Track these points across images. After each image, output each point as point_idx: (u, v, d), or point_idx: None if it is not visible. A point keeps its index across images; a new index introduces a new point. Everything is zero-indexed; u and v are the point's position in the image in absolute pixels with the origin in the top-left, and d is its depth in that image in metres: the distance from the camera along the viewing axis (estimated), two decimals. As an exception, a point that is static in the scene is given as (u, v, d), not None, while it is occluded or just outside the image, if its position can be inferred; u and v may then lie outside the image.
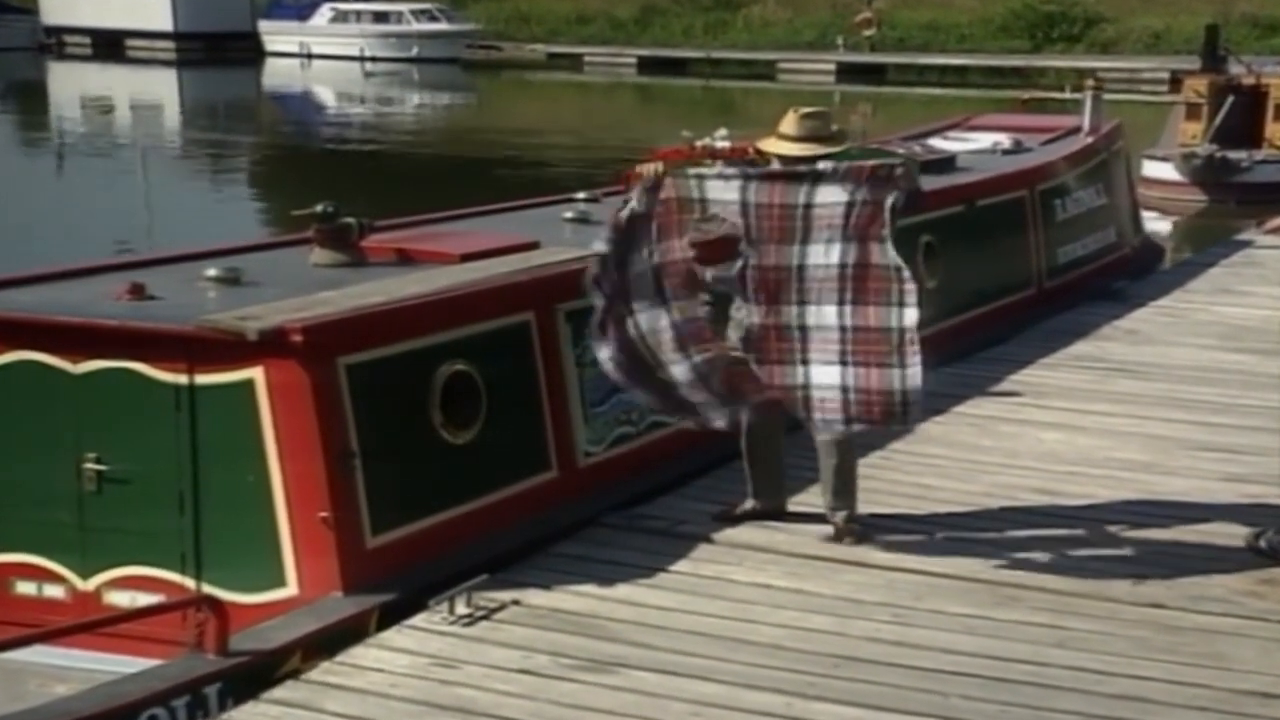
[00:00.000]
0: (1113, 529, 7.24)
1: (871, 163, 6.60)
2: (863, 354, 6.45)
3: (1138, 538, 7.14)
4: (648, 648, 5.85)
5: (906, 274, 6.44)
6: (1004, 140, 13.29)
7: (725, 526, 7.09)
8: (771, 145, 6.83)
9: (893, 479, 7.84)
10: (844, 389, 6.48)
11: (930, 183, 10.93)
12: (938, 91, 46.72)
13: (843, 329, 6.47)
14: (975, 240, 11.02)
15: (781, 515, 7.18)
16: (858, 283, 6.45)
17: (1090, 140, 13.69)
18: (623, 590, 6.40)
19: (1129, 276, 13.50)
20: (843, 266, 6.46)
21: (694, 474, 7.68)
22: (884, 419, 6.54)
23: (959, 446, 8.53)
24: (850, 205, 6.43)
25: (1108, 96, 14.77)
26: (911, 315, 6.39)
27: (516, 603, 6.22)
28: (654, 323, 6.68)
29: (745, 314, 6.59)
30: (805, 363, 6.53)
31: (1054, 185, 12.52)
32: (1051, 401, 9.50)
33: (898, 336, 6.41)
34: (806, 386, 6.55)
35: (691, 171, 6.69)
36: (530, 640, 5.89)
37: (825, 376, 6.50)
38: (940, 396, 9.39)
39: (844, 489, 6.98)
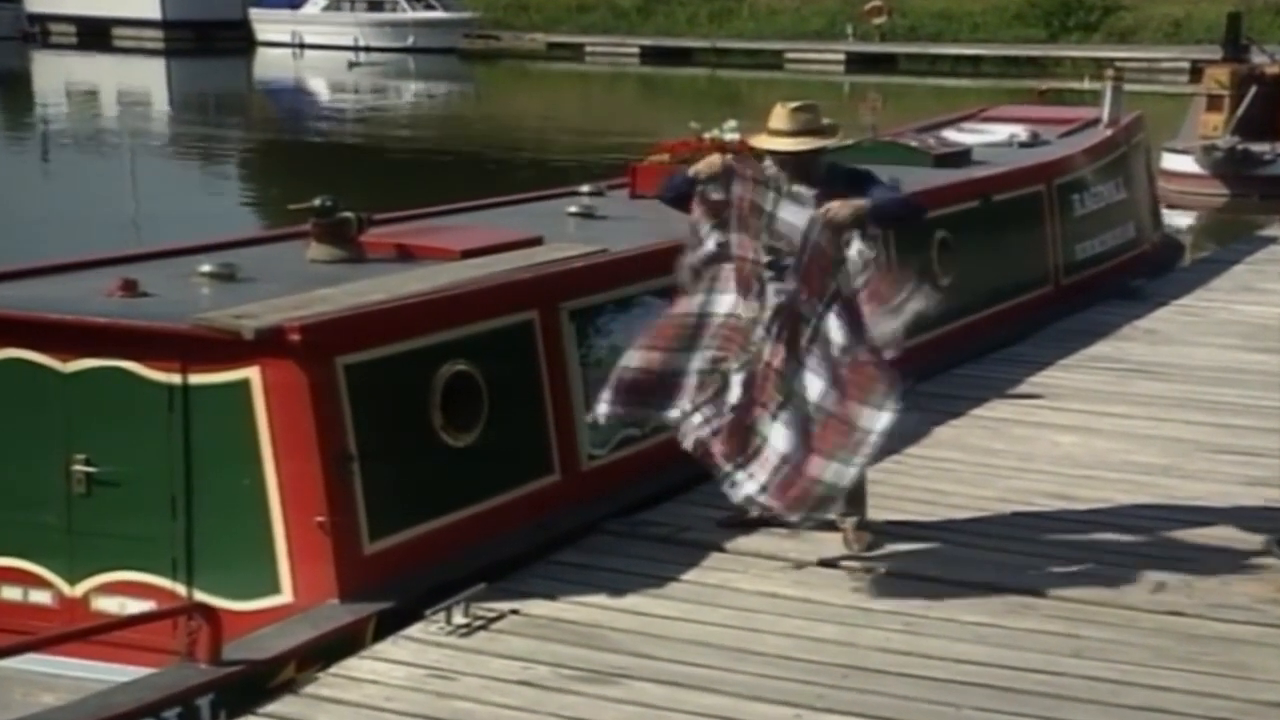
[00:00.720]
0: (1130, 535, 7.26)
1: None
2: (819, 439, 6.43)
3: (1156, 543, 7.16)
4: (651, 658, 5.87)
5: (896, 375, 6.42)
6: (1020, 133, 13.31)
7: (731, 533, 7.11)
8: (764, 142, 6.81)
9: (903, 484, 7.86)
10: (785, 459, 6.44)
11: (944, 177, 11.02)
12: (950, 82, 46.71)
13: (818, 408, 6.44)
14: (990, 236, 11.04)
15: (789, 521, 7.17)
16: (853, 372, 6.44)
17: (1109, 133, 13.71)
18: (625, 599, 6.42)
19: (1148, 274, 13.51)
20: (845, 350, 6.45)
21: (701, 478, 7.69)
22: (790, 505, 6.47)
23: (972, 450, 8.55)
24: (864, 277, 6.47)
25: (1127, 87, 14.77)
26: (886, 420, 6.34)
27: (516, 612, 6.25)
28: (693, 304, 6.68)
29: (760, 345, 6.57)
30: (774, 418, 6.49)
31: (1072, 179, 12.53)
32: (1068, 403, 9.51)
33: (861, 435, 6.38)
34: (764, 440, 6.51)
35: (772, 182, 6.65)
36: (530, 651, 5.91)
37: (780, 441, 6.46)
38: (953, 399, 9.42)
39: (854, 495, 6.99)
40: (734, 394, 6.56)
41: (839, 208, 6.51)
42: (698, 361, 6.66)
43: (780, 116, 6.73)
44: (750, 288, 6.60)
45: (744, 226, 6.62)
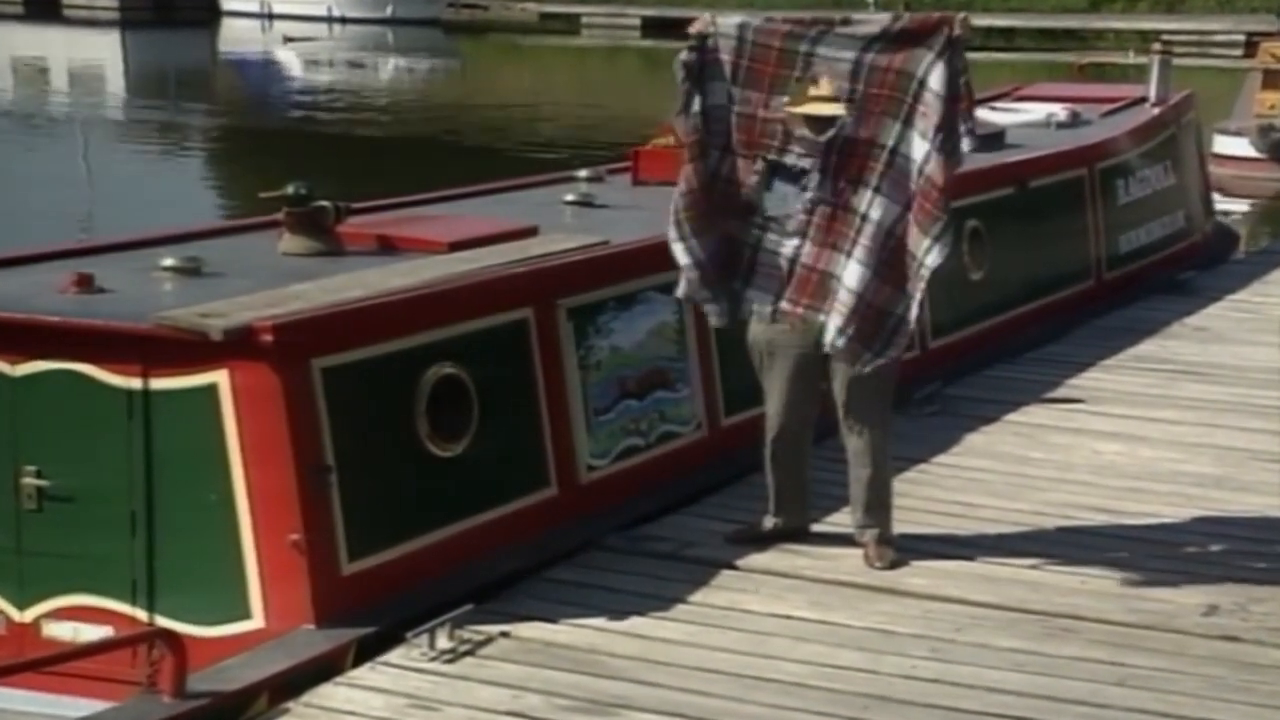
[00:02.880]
0: (1180, 552, 7.27)
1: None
2: (888, 266, 6.74)
3: (1208, 562, 7.18)
4: (653, 686, 5.88)
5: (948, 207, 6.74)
6: (1059, 112, 13.32)
7: (741, 549, 7.12)
8: (804, 107, 6.91)
9: (930, 495, 7.88)
10: (859, 295, 6.74)
11: (976, 161, 11.02)
12: (980, 56, 46.48)
13: (889, 234, 6.75)
14: (1027, 226, 11.06)
15: (804, 535, 7.22)
16: (921, 196, 6.72)
17: (1157, 112, 13.73)
18: (625, 621, 6.43)
19: (1199, 267, 13.52)
20: (920, 172, 6.71)
21: (708, 490, 7.73)
22: (864, 343, 6.77)
23: (1005, 459, 8.57)
24: (950, 99, 6.69)
25: (1175, 62, 14.79)
26: (936, 255, 6.69)
27: (506, 635, 6.26)
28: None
29: (815, 186, 6.81)
30: (850, 254, 6.78)
31: (1116, 163, 12.55)
32: (1110, 408, 9.53)
33: (918, 266, 6.73)
34: (839, 280, 6.79)
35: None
36: (521, 678, 5.92)
37: (854, 278, 6.75)
38: (985, 402, 9.44)
39: (876, 504, 7.03)
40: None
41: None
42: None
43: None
44: (756, 145, 6.88)
45: (754, 84, 6.85)
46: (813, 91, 6.86)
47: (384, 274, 7.10)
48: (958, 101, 6.73)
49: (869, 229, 6.78)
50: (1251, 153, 22.80)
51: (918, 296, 6.78)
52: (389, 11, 56.01)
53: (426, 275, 7.09)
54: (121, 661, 6.06)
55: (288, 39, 52.72)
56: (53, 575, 6.47)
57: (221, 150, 30.66)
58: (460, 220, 8.44)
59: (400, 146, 29.25)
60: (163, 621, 6.20)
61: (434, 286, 6.97)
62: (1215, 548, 7.33)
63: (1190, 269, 13.29)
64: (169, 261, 7.08)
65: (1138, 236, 12.86)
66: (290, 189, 7.60)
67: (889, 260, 6.77)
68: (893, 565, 6.96)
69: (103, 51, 49.64)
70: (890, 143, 6.77)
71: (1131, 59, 19.92)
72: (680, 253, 6.95)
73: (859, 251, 6.78)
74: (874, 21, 6.91)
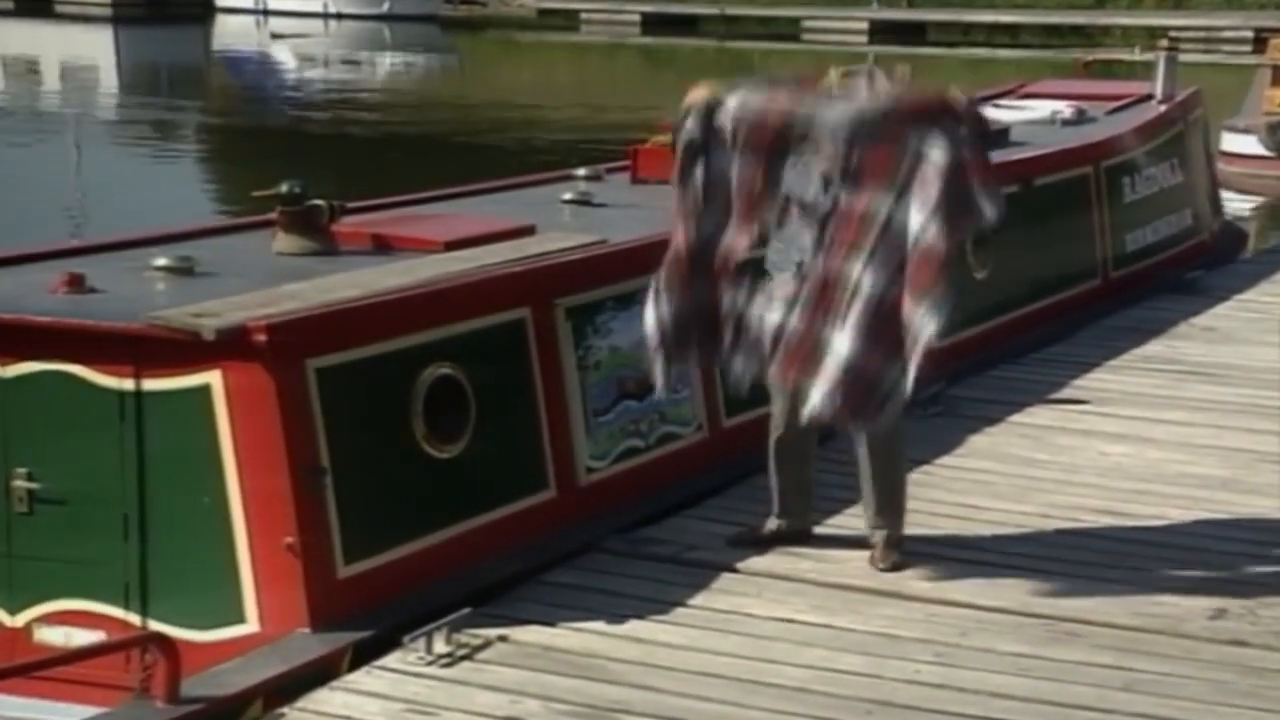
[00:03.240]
0: (1187, 555, 7.27)
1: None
2: (880, 336, 6.64)
3: (1216, 565, 7.17)
4: (653, 691, 5.88)
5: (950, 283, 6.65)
6: (1064, 109, 13.32)
7: (743, 552, 7.12)
8: None
9: (934, 498, 7.87)
10: (849, 364, 6.63)
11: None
12: (985, 53, 46.81)
13: (881, 303, 6.65)
14: (1031, 224, 11.03)
15: (807, 538, 7.22)
16: (916, 266, 6.63)
17: (1164, 109, 13.71)
18: (625, 625, 6.42)
19: (1206, 266, 13.51)
20: (916, 241, 6.64)
21: (710, 492, 7.73)
22: (852, 412, 6.70)
23: (1011, 461, 8.57)
24: (950, 170, 6.63)
25: (1183, 58, 14.79)
26: (931, 326, 6.56)
27: (504, 639, 6.25)
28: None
29: (809, 255, 6.75)
30: (841, 323, 6.69)
31: (1122, 161, 12.55)
32: (1117, 409, 9.53)
33: (913, 338, 6.60)
34: (829, 348, 6.69)
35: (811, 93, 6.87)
36: (519, 683, 5.92)
37: (844, 346, 6.66)
38: (989, 403, 9.44)
39: (887, 505, 7.02)
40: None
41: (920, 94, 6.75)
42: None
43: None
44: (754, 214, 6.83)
45: (753, 152, 6.81)
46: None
47: (379, 273, 7.10)
48: (961, 172, 6.66)
49: (861, 298, 6.68)
50: (1260, 150, 22.80)
51: (913, 369, 6.65)
52: (385, 8, 56.09)
53: (422, 275, 7.09)
54: (114, 666, 6.07)
55: (275, 36, 52.72)
56: (44, 579, 6.46)
57: (215, 148, 30.69)
58: (457, 219, 8.44)
59: (396, 144, 29.28)
60: (156, 626, 6.19)
61: (430, 286, 6.97)
62: (1223, 550, 7.32)
63: (1198, 268, 13.27)
64: (161, 261, 7.08)
65: (1144, 235, 12.85)
66: (284, 187, 7.59)
67: (881, 330, 6.67)
68: (894, 568, 6.96)
69: (95, 48, 49.71)
70: (885, 212, 6.69)
71: (1138, 55, 19.90)
72: (648, 316, 6.90)
73: (850, 320, 6.67)
74: (875, 90, 6.85)
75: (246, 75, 46.01)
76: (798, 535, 7.22)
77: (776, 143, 6.82)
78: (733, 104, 6.85)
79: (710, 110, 6.87)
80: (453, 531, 6.77)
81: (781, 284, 6.81)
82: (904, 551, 7.05)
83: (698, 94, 6.94)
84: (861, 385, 6.65)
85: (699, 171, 6.87)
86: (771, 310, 6.81)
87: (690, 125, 6.90)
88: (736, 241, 6.89)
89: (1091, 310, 11.71)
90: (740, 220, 6.89)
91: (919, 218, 6.65)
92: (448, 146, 28.26)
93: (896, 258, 6.67)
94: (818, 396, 6.69)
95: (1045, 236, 11.30)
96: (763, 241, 6.86)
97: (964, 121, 6.73)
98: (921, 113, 6.74)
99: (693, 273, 6.87)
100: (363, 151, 28.18)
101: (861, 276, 6.69)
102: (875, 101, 6.77)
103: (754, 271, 6.86)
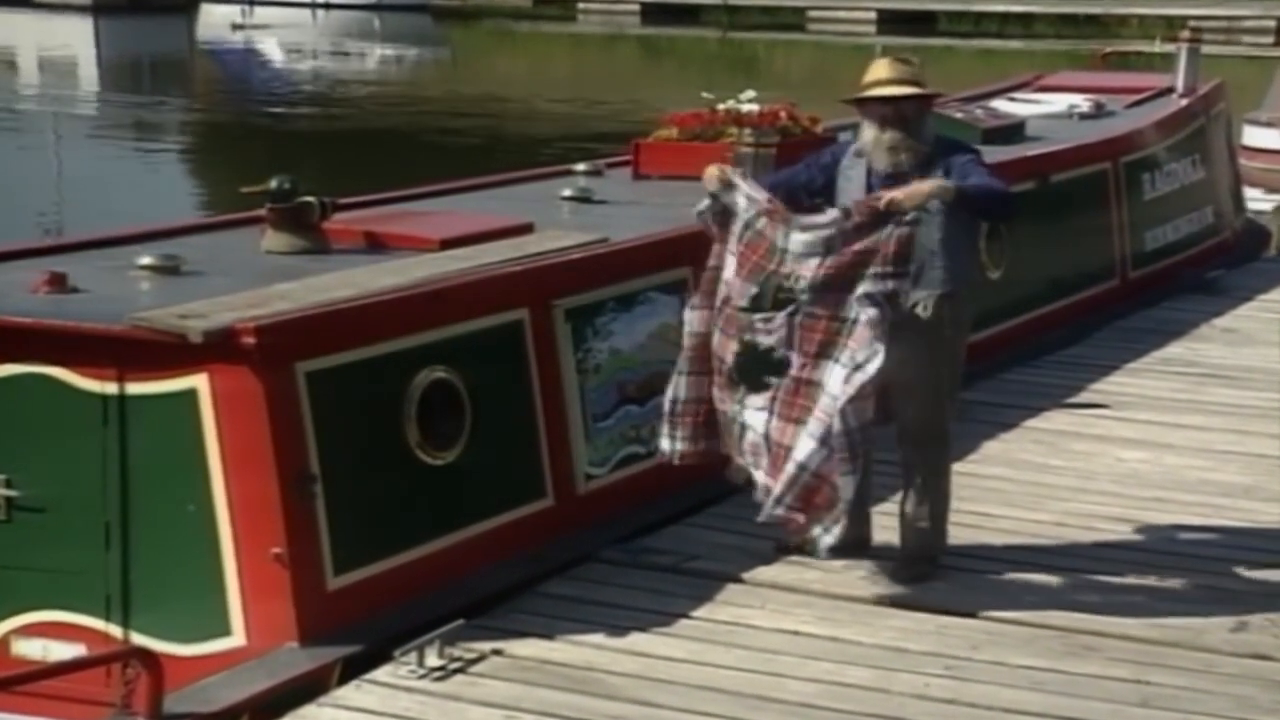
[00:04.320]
0: (1207, 565, 7.27)
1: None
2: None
3: (1237, 575, 7.19)
4: (654, 706, 5.89)
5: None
6: (1081, 103, 13.34)
7: (747, 562, 7.12)
8: (870, 92, 6.95)
9: (947, 506, 7.88)
10: (803, 467, 6.53)
11: (994, 154, 11.03)
12: (998, 44, 46.83)
13: (833, 398, 6.54)
14: (1048, 222, 11.06)
15: (865, 548, 7.19)
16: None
17: (1185, 103, 13.75)
18: (624, 638, 6.44)
19: (1228, 265, 13.54)
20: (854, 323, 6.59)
21: (711, 500, 7.73)
22: (806, 515, 6.60)
23: (1024, 467, 8.59)
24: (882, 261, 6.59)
25: (1204, 50, 14.79)
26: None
27: (498, 653, 6.27)
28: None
29: (782, 362, 6.67)
30: (803, 426, 6.59)
31: (1142, 157, 12.57)
32: (1135, 413, 9.55)
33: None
34: (789, 452, 6.61)
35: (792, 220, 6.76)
36: (514, 698, 5.93)
37: (802, 450, 6.55)
38: (1003, 408, 9.46)
39: (932, 514, 7.01)
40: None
41: (907, 192, 6.60)
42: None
43: (881, 66, 6.99)
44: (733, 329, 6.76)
45: (740, 271, 6.74)
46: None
47: (372, 273, 7.11)
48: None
49: (824, 401, 6.61)
50: (1284, 146, 22.78)
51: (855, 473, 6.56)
52: (375, -3, 56.10)
53: (417, 274, 7.11)
54: (95, 681, 6.07)
55: (236, 26, 52.61)
56: (22, 589, 6.47)
57: (200, 143, 30.72)
58: (452, 217, 8.45)
59: (388, 139, 29.31)
60: (138, 639, 6.21)
61: (425, 286, 6.98)
62: (1244, 560, 7.34)
63: (1219, 268, 13.30)
64: (146, 260, 7.10)
65: (1164, 233, 12.87)
66: (273, 184, 7.60)
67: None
68: (911, 580, 6.96)
69: (74, 40, 49.75)
70: (852, 316, 6.62)
71: (1158, 47, 19.93)
72: (671, 384, 6.94)
73: (811, 424, 6.60)
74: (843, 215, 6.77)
75: (232, 67, 46.04)
76: (852, 545, 7.10)
77: (759, 263, 6.74)
78: (741, 204, 6.79)
79: (728, 190, 6.82)
80: (447, 541, 6.78)
81: (759, 392, 6.72)
82: (936, 565, 7.05)
83: (711, 173, 6.87)
84: (814, 486, 6.54)
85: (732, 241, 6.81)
86: (756, 419, 6.73)
87: (708, 207, 6.84)
88: (723, 351, 6.81)
89: (1109, 311, 11.73)
90: (724, 327, 6.82)
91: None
92: (442, 141, 28.28)
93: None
94: (771, 498, 6.61)
95: (1061, 235, 11.32)
96: (744, 352, 6.78)
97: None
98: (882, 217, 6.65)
99: (708, 354, 6.86)
100: (354, 146, 28.20)
101: (829, 381, 6.59)
102: (841, 220, 6.68)
103: (739, 381, 6.79)
